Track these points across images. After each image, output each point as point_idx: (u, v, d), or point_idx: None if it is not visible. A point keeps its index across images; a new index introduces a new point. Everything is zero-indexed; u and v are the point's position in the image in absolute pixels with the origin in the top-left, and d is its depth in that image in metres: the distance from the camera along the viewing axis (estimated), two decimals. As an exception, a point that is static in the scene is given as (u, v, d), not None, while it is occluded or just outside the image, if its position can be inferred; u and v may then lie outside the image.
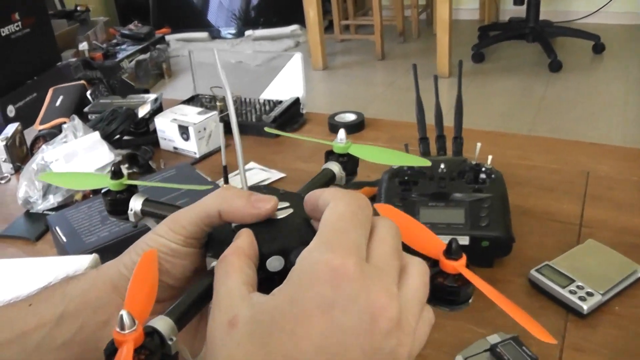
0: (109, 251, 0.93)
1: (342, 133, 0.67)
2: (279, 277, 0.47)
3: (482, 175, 0.98)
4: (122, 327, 0.40)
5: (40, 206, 1.20)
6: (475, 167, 0.99)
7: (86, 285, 0.54)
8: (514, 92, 3.84)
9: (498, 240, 0.92)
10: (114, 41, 4.59)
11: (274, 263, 0.48)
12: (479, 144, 1.00)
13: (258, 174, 1.26)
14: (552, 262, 0.91)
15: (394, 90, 4.08)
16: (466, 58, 4.32)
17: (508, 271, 0.94)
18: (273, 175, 1.26)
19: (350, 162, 0.68)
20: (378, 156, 0.69)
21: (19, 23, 3.06)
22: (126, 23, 4.99)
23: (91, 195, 1.21)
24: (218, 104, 1.08)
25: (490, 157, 0.99)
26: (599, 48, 4.34)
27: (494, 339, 0.78)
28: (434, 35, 4.63)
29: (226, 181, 0.72)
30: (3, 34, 2.95)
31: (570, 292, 0.85)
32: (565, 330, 0.83)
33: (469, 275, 0.47)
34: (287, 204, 0.53)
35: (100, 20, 4.77)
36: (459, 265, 0.47)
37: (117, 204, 0.65)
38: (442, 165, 0.99)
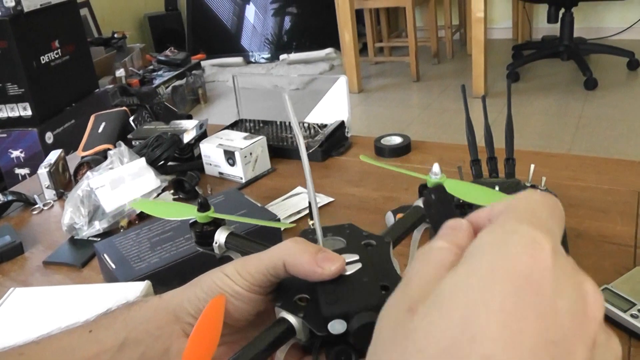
0: (159, 277, 0.92)
1: (436, 167, 0.66)
2: (339, 339, 0.46)
3: (538, 198, 0.95)
4: None
5: (85, 232, 1.20)
6: (531, 189, 0.96)
7: (148, 313, 0.55)
8: (551, 111, 3.80)
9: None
10: (150, 67, 4.65)
11: (337, 326, 0.46)
12: (532, 166, 0.98)
13: (306, 198, 1.24)
14: (611, 285, 0.87)
15: (431, 112, 4.06)
16: (501, 77, 4.31)
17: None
18: (322, 199, 1.24)
19: None
20: (473, 195, 0.65)
21: (59, 50, 3.11)
22: (161, 49, 5.05)
23: (137, 222, 1.21)
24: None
25: (544, 179, 0.97)
26: (633, 64, 4.30)
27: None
28: (467, 55, 4.63)
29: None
30: (43, 62, 3.00)
31: (632, 315, 0.82)
32: (629, 356, 0.80)
33: None
34: (356, 257, 0.51)
35: (137, 47, 4.83)
36: None
37: (203, 236, 0.66)
38: (497, 188, 0.97)
